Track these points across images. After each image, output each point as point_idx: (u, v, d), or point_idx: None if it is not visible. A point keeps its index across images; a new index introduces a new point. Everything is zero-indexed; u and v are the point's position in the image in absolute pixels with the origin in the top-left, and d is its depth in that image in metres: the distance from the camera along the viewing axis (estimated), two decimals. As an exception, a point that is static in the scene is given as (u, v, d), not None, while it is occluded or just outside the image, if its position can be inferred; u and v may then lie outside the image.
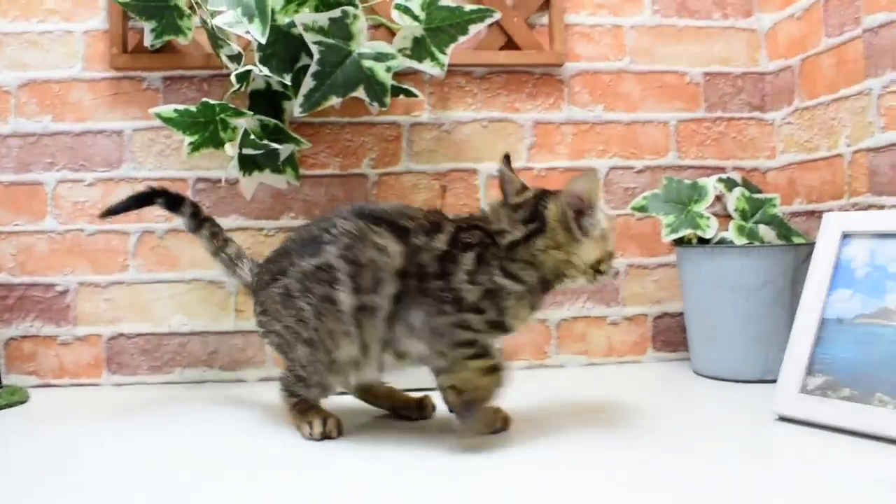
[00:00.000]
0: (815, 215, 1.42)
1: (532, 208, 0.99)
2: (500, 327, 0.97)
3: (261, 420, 1.12)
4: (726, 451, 0.93)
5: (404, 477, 0.85)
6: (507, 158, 1.05)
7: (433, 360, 0.97)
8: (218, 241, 1.16)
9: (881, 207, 1.23)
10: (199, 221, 1.16)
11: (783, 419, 1.05)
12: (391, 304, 0.95)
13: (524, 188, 1.03)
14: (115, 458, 0.94)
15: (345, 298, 0.95)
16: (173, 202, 1.15)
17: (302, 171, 1.39)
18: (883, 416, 0.95)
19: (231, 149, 1.20)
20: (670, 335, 1.53)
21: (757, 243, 1.31)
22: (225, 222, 1.41)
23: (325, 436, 1.01)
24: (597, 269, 0.99)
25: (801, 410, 1.03)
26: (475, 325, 0.95)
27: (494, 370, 0.97)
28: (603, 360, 1.49)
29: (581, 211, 0.97)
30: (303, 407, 1.03)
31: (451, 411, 1.03)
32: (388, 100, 1.21)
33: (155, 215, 1.40)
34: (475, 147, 1.48)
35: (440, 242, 0.96)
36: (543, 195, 1.00)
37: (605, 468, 0.87)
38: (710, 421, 1.07)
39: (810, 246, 1.25)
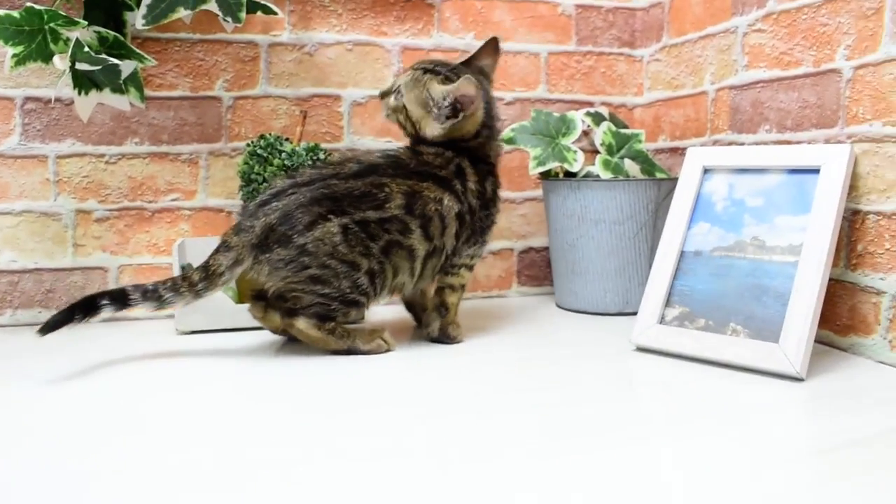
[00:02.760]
0: (678, 152, 1.44)
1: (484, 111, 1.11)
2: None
3: (109, 364, 1.03)
4: (584, 381, 0.94)
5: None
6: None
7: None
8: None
9: (741, 145, 1.25)
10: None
11: (641, 349, 1.07)
12: (454, 241, 1.09)
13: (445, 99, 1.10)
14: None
15: (419, 245, 1.05)
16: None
17: (147, 93, 1.28)
18: (735, 345, 0.98)
19: (61, 62, 1.08)
20: (535, 270, 1.53)
21: (622, 177, 1.32)
22: (60, 148, 1.28)
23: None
24: None
25: (659, 340, 1.05)
26: (488, 238, 1.15)
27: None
28: (469, 294, 1.48)
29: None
30: (341, 331, 1.05)
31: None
32: (243, 15, 1.13)
33: (-24, 137, 1.25)
34: (339, 72, 1.40)
35: (472, 183, 1.10)
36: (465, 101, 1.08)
37: (466, 398, 0.85)
38: (569, 352, 1.08)
39: (673, 181, 1.27)
